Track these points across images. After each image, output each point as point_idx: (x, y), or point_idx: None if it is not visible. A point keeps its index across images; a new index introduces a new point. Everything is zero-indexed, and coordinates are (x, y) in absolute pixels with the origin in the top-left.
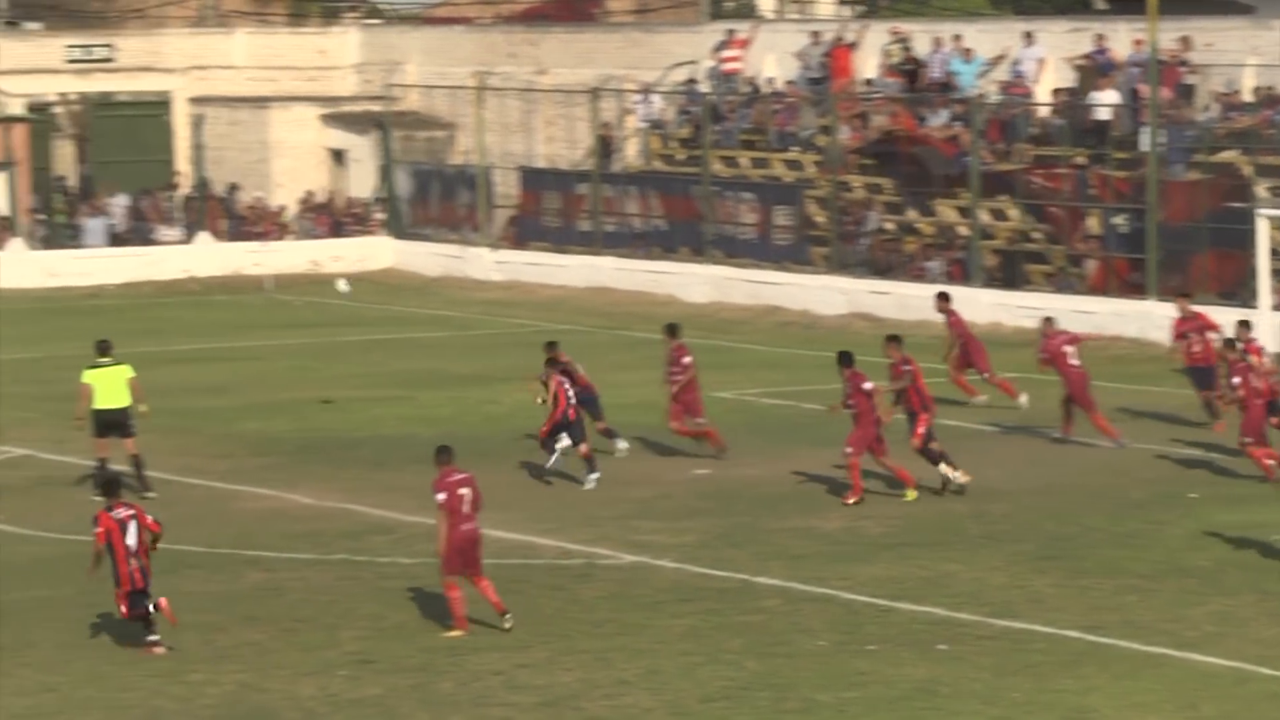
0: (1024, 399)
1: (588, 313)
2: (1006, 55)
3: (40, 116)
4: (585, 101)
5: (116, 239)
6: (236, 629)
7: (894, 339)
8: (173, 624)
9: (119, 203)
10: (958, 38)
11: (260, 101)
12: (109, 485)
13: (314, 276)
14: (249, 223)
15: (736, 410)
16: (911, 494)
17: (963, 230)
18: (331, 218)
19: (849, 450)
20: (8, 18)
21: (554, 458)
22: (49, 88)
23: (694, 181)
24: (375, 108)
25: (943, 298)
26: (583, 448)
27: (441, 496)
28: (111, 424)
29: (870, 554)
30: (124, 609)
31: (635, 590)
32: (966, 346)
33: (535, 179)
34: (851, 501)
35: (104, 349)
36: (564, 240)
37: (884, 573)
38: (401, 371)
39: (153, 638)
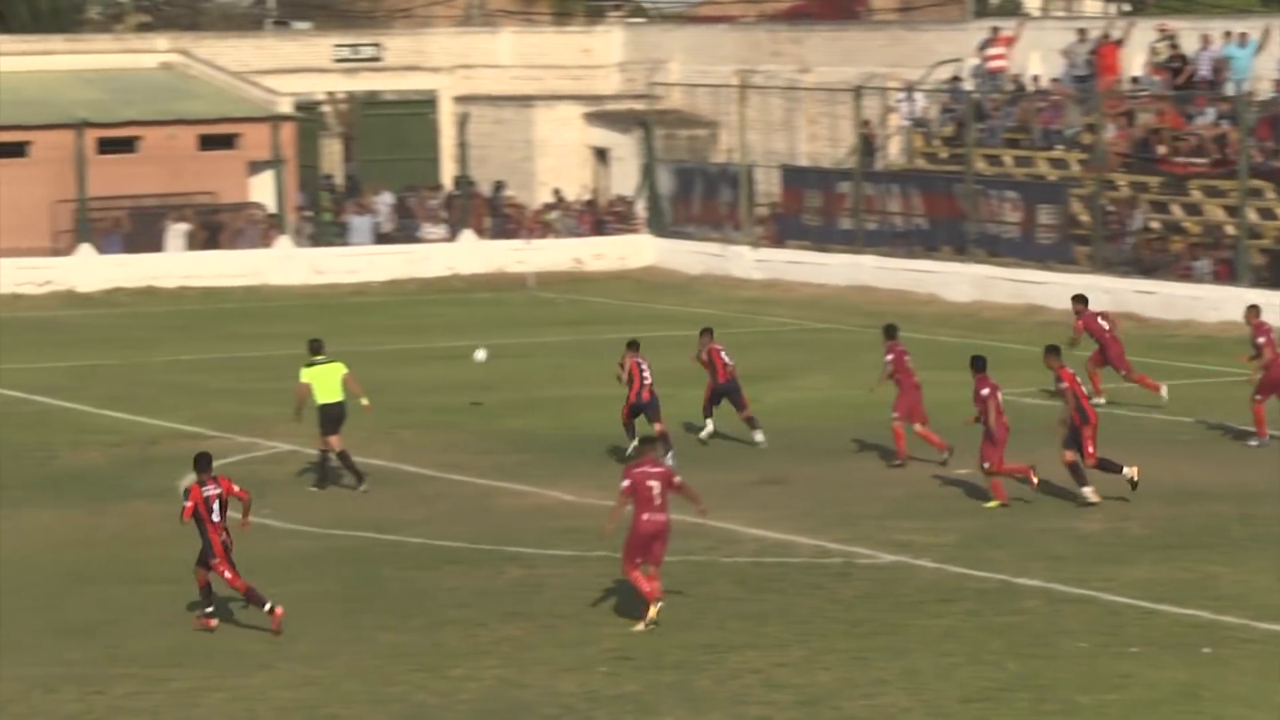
0: (1164, 391)
1: (848, 311)
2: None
3: (308, 115)
4: (848, 100)
5: (382, 237)
6: (497, 624)
7: (1053, 350)
8: (276, 634)
9: (384, 200)
10: (1228, 34)
11: (525, 100)
12: (200, 461)
13: (576, 275)
14: (512, 221)
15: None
16: (993, 504)
17: (1229, 229)
18: (594, 216)
19: (986, 465)
20: (277, 18)
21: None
22: (317, 86)
23: (957, 180)
24: (638, 106)
25: (1078, 299)
26: (657, 426)
27: (626, 483)
28: (335, 418)
29: (1133, 555)
30: (229, 575)
31: (894, 590)
32: (1105, 347)
33: (797, 177)
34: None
35: (317, 348)
36: (825, 239)
37: (1147, 575)
38: (662, 370)
39: (210, 609)
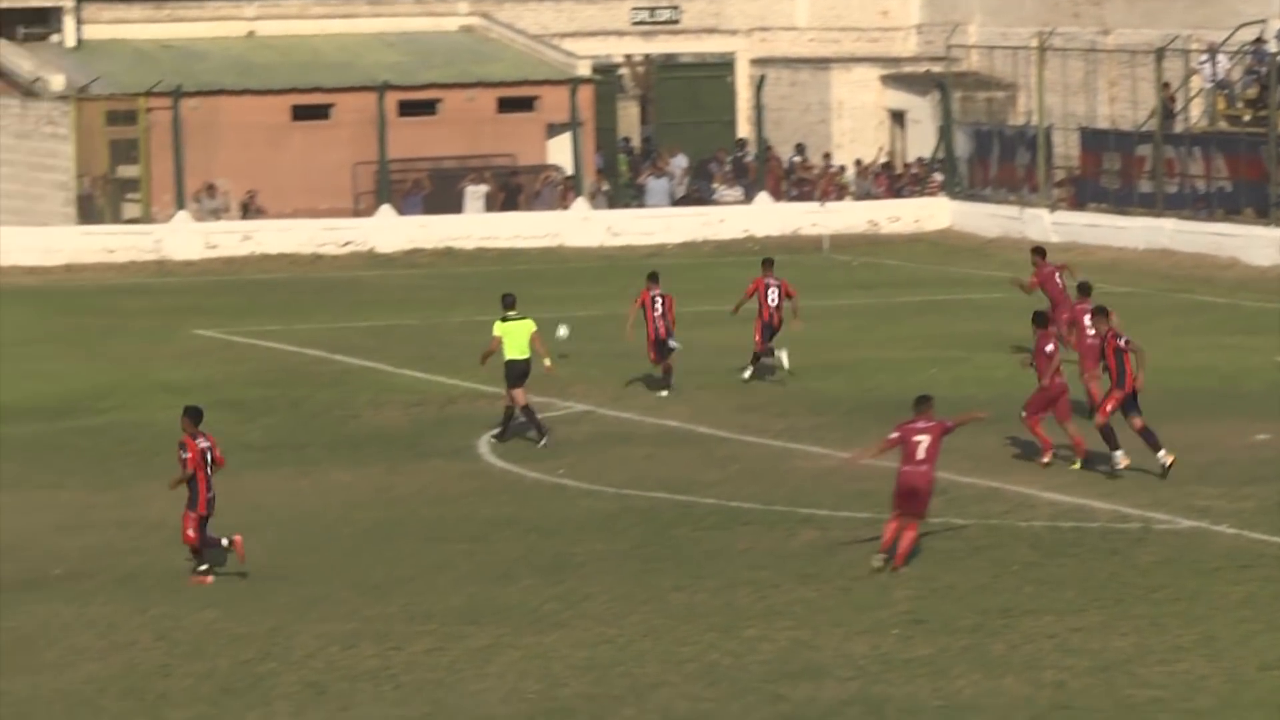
0: None
1: (1147, 275)
2: None
3: (605, 78)
4: (1149, 62)
5: (677, 199)
6: (790, 586)
7: (1101, 310)
8: (241, 561)
9: (679, 163)
10: None
11: (821, 63)
12: (193, 413)
13: (871, 237)
14: (808, 184)
15: None
16: (1077, 464)
17: None
18: (890, 179)
19: (1024, 414)
20: None
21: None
22: (615, 49)
23: (1260, 142)
24: (935, 69)
25: (1036, 251)
26: (665, 364)
27: (894, 435)
28: (519, 373)
29: None
30: (192, 533)
31: (1192, 556)
32: (1055, 306)
33: (1096, 140)
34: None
35: (510, 303)
36: (1124, 202)
37: None
38: (958, 333)
39: (204, 567)
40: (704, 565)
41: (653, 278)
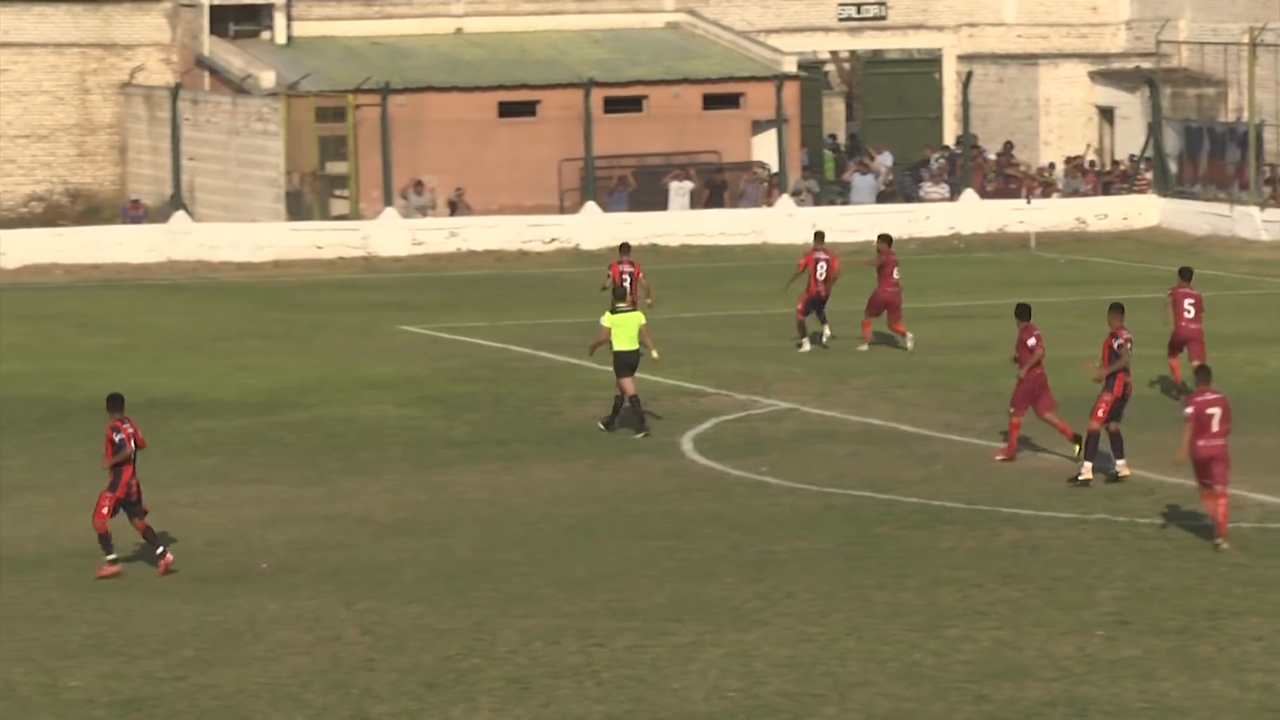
0: (910, 342)
1: None
2: None
3: (811, 74)
4: None
5: (882, 196)
6: (993, 586)
7: (1116, 308)
8: (159, 575)
9: (884, 160)
10: None
11: (1028, 59)
12: (114, 400)
13: (1078, 235)
14: (1015, 181)
15: None
16: (1077, 450)
17: None
18: (1098, 176)
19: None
20: None
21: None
22: (821, 46)
23: None
24: (1145, 65)
25: (882, 239)
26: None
27: (1190, 410)
28: (628, 364)
29: None
30: (106, 511)
31: None
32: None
33: None
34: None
35: (620, 295)
36: None
37: None
38: (1165, 332)
39: (112, 557)
40: (906, 564)
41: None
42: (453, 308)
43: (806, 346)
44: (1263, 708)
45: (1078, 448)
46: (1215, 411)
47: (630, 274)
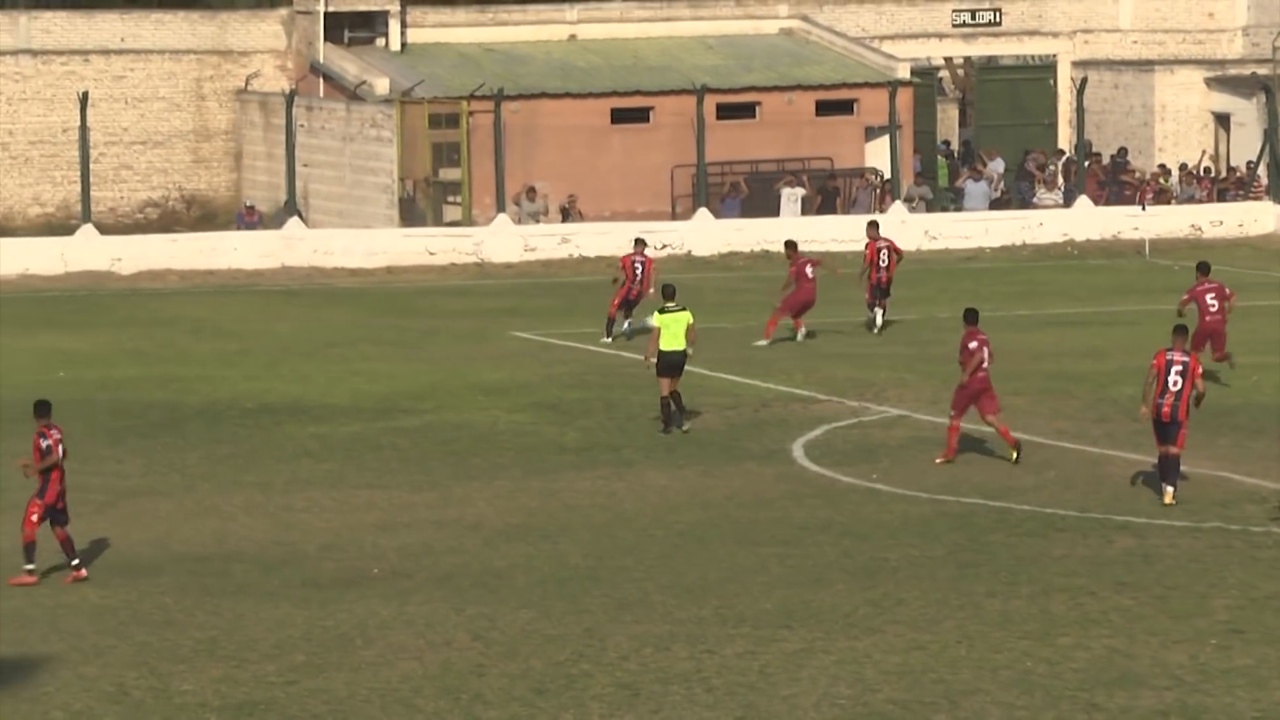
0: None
1: None
2: None
3: (925, 81)
4: None
5: (995, 203)
6: (1106, 594)
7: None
8: (65, 583)
9: (997, 167)
10: None
11: (1144, 65)
12: (41, 406)
13: (1194, 241)
14: (1129, 187)
15: None
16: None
17: None
18: (1213, 183)
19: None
20: None
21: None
22: (934, 51)
23: None
24: (1261, 71)
25: (790, 245)
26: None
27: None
28: (673, 364)
29: None
30: (35, 519)
31: None
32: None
33: None
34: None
35: (670, 294)
36: None
37: None
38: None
39: (30, 566)
40: (1019, 572)
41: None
42: (564, 314)
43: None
44: None
45: (1015, 454)
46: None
47: (642, 265)
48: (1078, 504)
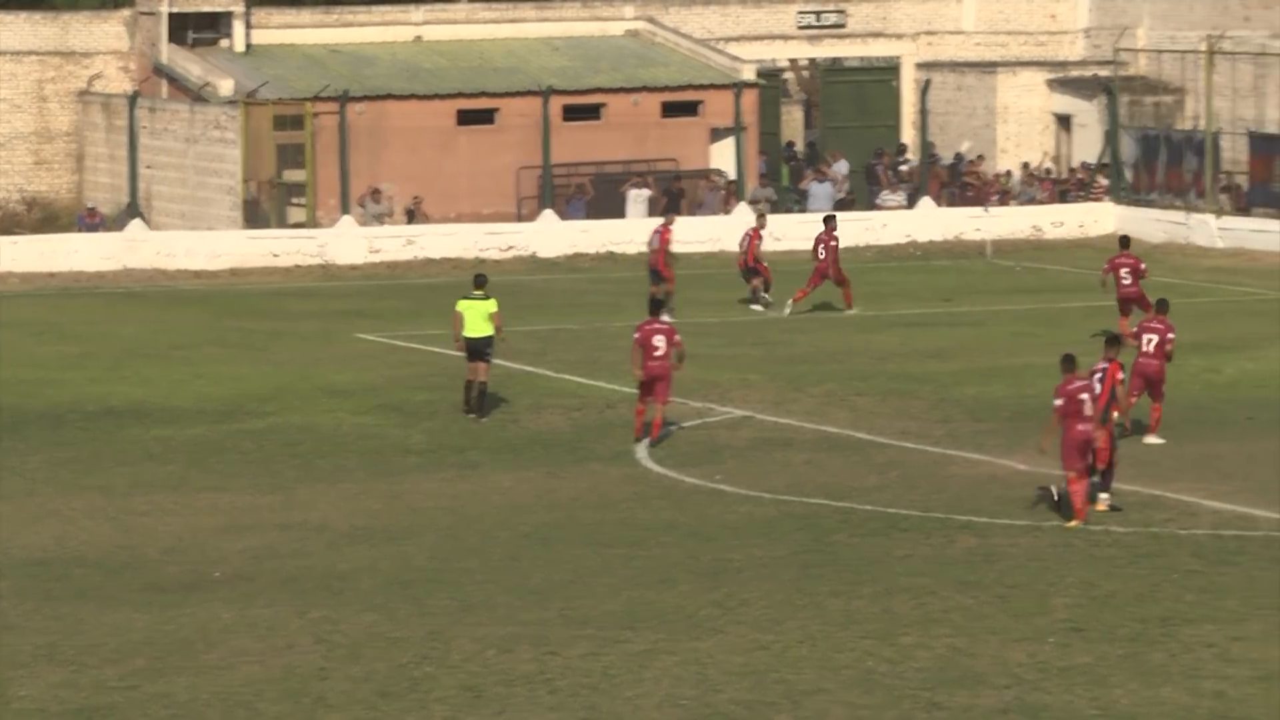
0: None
1: None
2: None
3: (770, 82)
4: None
5: (840, 204)
6: (948, 593)
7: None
8: None
9: (841, 168)
10: None
11: (987, 66)
12: None
13: (1036, 243)
14: (972, 189)
15: None
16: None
17: None
18: (1055, 184)
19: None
20: None
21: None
22: (780, 54)
23: None
24: (1103, 73)
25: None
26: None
27: (1059, 402)
28: (475, 350)
29: None
30: None
31: None
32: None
33: (1265, 145)
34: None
35: (479, 282)
36: None
37: None
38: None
39: None
40: (862, 572)
41: (829, 220)
42: (410, 316)
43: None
44: (1215, 715)
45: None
46: (1085, 397)
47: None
48: (921, 504)
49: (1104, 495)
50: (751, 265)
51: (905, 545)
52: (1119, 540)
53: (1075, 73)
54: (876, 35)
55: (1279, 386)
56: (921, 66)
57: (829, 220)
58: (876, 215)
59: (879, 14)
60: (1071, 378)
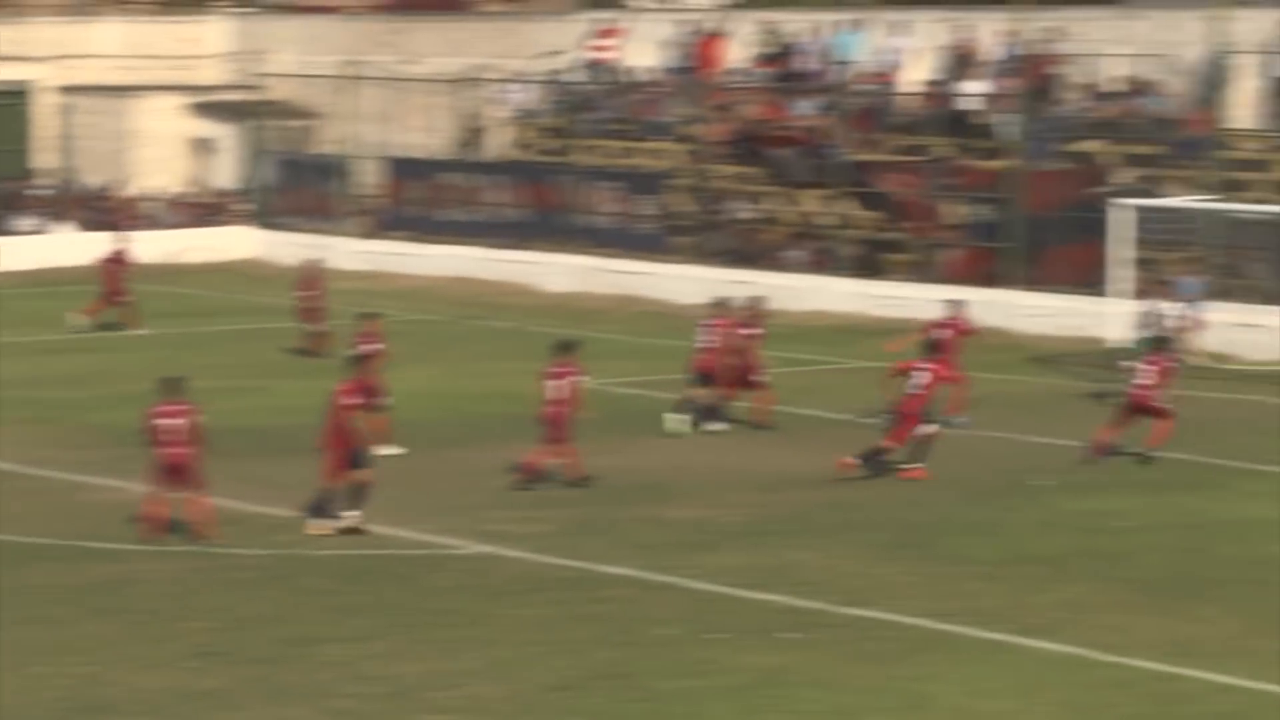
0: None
1: (448, 302)
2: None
3: None
4: (452, 91)
5: None
6: (85, 621)
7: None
8: None
9: None
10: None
11: (126, 90)
12: None
13: (175, 267)
14: (109, 212)
15: (594, 400)
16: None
17: (823, 220)
18: (194, 207)
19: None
20: None
21: None
22: None
23: (558, 171)
24: (243, 97)
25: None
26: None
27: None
28: None
29: (721, 543)
30: None
31: (484, 580)
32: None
33: (399, 168)
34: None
35: None
36: (427, 229)
37: (734, 562)
38: (260, 363)
39: None
40: None
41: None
42: None
43: None
44: None
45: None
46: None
47: None
48: (59, 532)
49: (353, 514)
50: None
51: (42, 574)
52: (258, 562)
53: (216, 97)
54: (10, 59)
55: (417, 405)
56: (65, 90)
57: None
58: (10, 240)
59: (14, 37)
60: (167, 402)
